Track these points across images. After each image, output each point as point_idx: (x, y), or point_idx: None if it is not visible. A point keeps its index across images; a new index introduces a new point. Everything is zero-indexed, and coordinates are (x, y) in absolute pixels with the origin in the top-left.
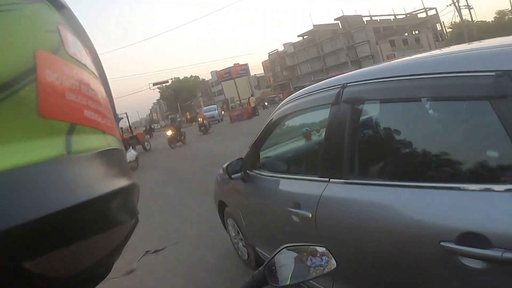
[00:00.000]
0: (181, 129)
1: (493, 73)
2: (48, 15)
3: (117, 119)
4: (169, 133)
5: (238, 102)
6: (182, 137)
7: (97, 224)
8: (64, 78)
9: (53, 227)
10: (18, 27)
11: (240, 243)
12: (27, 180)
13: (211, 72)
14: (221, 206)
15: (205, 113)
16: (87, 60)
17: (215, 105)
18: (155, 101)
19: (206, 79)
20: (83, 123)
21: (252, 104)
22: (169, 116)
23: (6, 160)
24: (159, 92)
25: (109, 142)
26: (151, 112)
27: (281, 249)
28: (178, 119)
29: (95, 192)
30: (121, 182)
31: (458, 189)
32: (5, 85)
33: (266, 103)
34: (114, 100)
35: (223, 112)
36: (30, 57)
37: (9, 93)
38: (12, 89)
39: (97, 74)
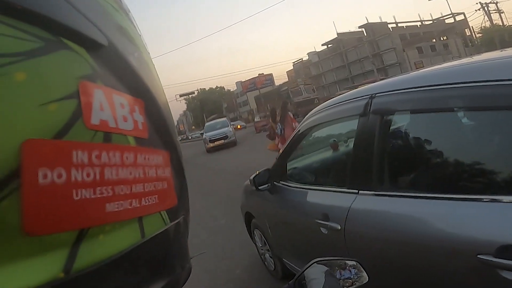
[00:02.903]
0: None
1: None
2: (63, 69)
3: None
4: None
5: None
6: None
7: None
8: (73, 171)
9: None
10: None
11: (267, 254)
12: None
13: (236, 83)
14: (248, 217)
15: (207, 133)
16: (127, 122)
17: (225, 118)
18: (182, 112)
19: (231, 90)
20: (100, 223)
21: None
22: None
23: None
24: (186, 103)
25: (147, 228)
26: (177, 123)
27: (312, 263)
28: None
29: None
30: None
31: (495, 200)
32: None
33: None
34: None
35: (237, 126)
36: (11, 156)
37: None
38: None
39: (144, 134)
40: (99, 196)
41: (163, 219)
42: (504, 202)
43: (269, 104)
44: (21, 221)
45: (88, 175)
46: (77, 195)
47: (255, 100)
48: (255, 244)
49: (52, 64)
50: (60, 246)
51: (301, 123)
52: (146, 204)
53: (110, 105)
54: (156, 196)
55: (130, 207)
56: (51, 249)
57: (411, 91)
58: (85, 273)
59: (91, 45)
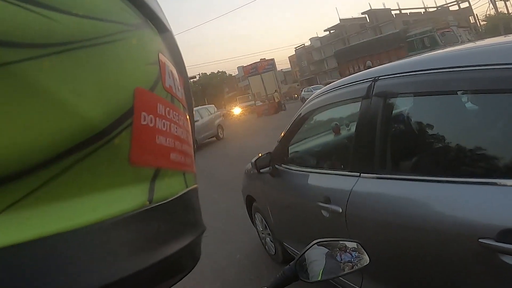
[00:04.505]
0: None
1: None
2: (151, 42)
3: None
4: None
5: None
6: None
7: (167, 275)
8: (157, 119)
9: (130, 284)
10: (123, 60)
11: (268, 238)
12: (108, 237)
13: (238, 68)
14: (249, 201)
15: None
16: (179, 92)
17: (204, 107)
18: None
19: (233, 75)
20: (167, 167)
21: (277, 100)
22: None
23: (88, 213)
24: None
25: (188, 182)
26: None
27: (312, 245)
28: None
29: (170, 250)
30: (194, 232)
31: (498, 184)
32: (101, 133)
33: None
34: None
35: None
36: (129, 98)
37: (104, 142)
38: (108, 137)
39: (185, 105)
40: (167, 144)
41: (194, 178)
42: (507, 186)
43: (370, 59)
44: (129, 152)
45: (163, 125)
46: (157, 140)
47: (336, 56)
48: (256, 228)
49: (146, 37)
50: (146, 179)
51: (302, 106)
52: (187, 162)
53: (172, 75)
54: (190, 158)
55: (180, 161)
56: (141, 181)
57: (415, 74)
58: (160, 205)
59: (161, 29)
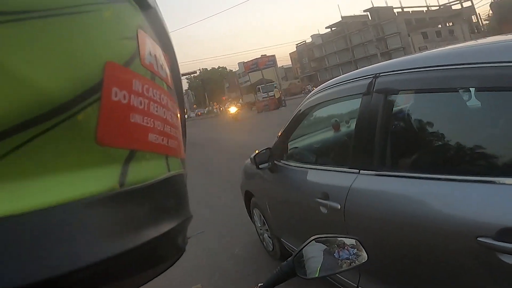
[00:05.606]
0: None
1: None
2: (129, 17)
3: (184, 131)
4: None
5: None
6: None
7: (146, 264)
8: (132, 96)
9: (101, 271)
10: (92, 32)
11: (266, 234)
12: (70, 221)
13: (239, 63)
14: (248, 196)
15: None
16: (162, 70)
17: None
18: (184, 91)
19: (233, 70)
20: (144, 149)
21: (277, 96)
22: None
23: (49, 194)
24: (187, 82)
25: (171, 167)
26: None
27: (310, 241)
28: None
29: (143, 237)
30: (175, 220)
31: (497, 182)
32: (63, 106)
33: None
34: None
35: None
36: (98, 71)
37: (66, 116)
38: (71, 111)
39: (171, 85)
40: (145, 124)
41: (180, 164)
42: (506, 184)
43: None
44: (96, 130)
45: (140, 103)
46: (132, 118)
47: (496, 7)
48: (254, 224)
49: (123, 11)
50: (117, 161)
51: (302, 102)
52: (171, 146)
53: (154, 53)
54: (176, 142)
55: (162, 143)
56: (110, 162)
57: (417, 71)
58: (133, 189)
59: (143, 5)
